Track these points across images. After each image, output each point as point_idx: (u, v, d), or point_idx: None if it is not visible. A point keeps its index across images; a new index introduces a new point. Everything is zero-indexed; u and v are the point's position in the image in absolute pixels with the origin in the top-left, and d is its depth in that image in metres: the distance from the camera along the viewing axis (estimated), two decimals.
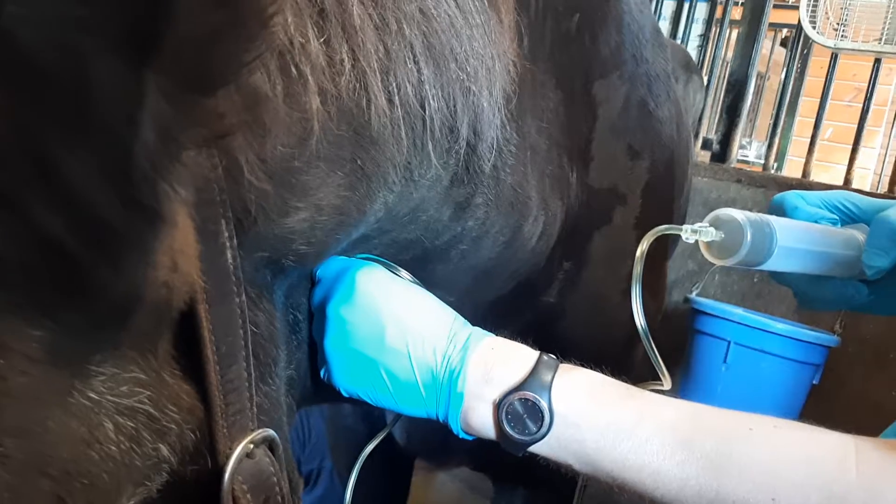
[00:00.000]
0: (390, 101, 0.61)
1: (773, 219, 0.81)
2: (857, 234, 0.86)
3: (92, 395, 0.44)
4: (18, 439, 0.41)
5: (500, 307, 1.01)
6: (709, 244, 0.78)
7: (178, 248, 0.45)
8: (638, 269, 0.81)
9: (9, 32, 0.33)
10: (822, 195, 0.91)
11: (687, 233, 0.78)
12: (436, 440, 1.18)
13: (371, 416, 1.20)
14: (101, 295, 0.41)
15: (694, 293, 2.14)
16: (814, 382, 1.90)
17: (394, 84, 0.61)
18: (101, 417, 0.45)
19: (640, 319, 0.82)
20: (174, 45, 0.35)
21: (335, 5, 0.55)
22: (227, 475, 0.53)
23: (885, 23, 2.22)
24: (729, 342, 1.90)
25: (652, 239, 0.80)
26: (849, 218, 0.90)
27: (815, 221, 0.88)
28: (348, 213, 0.61)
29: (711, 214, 0.79)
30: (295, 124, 0.53)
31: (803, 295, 0.93)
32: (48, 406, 0.42)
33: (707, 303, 2.01)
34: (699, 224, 0.78)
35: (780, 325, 1.89)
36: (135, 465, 0.47)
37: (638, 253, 0.81)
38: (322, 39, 0.54)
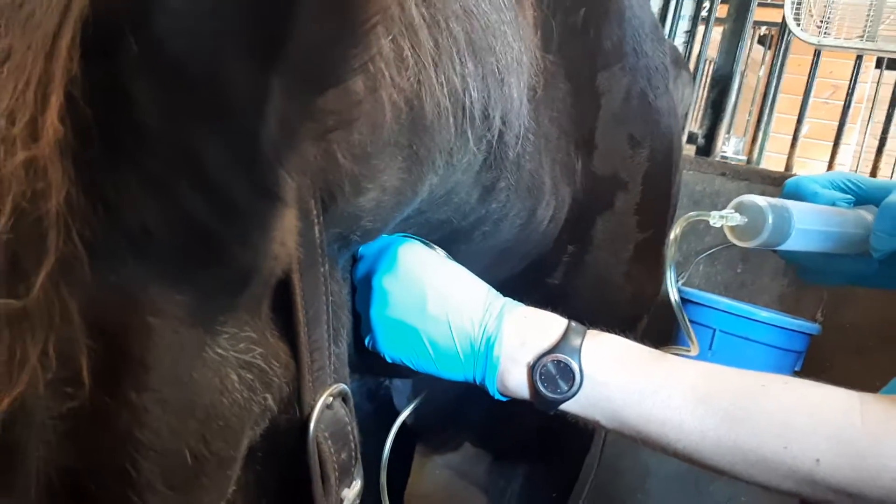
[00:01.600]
0: (441, 92, 0.66)
1: (790, 203, 0.86)
2: (866, 214, 0.92)
3: (220, 350, 0.50)
4: (174, 387, 0.47)
5: (511, 286, 1.06)
6: (733, 228, 0.84)
7: (287, 226, 0.50)
8: (672, 251, 0.87)
9: (160, 41, 0.38)
10: (828, 177, 0.97)
11: (715, 218, 0.84)
12: (444, 417, 1.22)
13: (377, 395, 1.23)
14: (230, 265, 0.47)
15: (680, 283, 2.20)
16: (796, 369, 1.96)
17: (443, 76, 0.66)
18: (227, 370, 0.51)
19: (674, 295, 0.88)
20: (295, 49, 0.39)
21: (397, 7, 0.60)
22: (312, 423, 0.59)
23: (866, 20, 2.28)
24: (714, 330, 1.96)
25: (685, 224, 0.86)
26: (857, 196, 0.96)
27: (833, 203, 0.94)
28: (405, 193, 0.67)
29: (735, 200, 0.85)
30: (373, 115, 0.59)
31: (811, 271, 0.99)
32: (193, 359, 0.48)
33: (693, 292, 2.06)
34: (726, 210, 0.84)
35: (764, 314, 1.95)
36: (253, 410, 0.53)
37: (671, 236, 0.87)
38: (390, 38, 0.59)
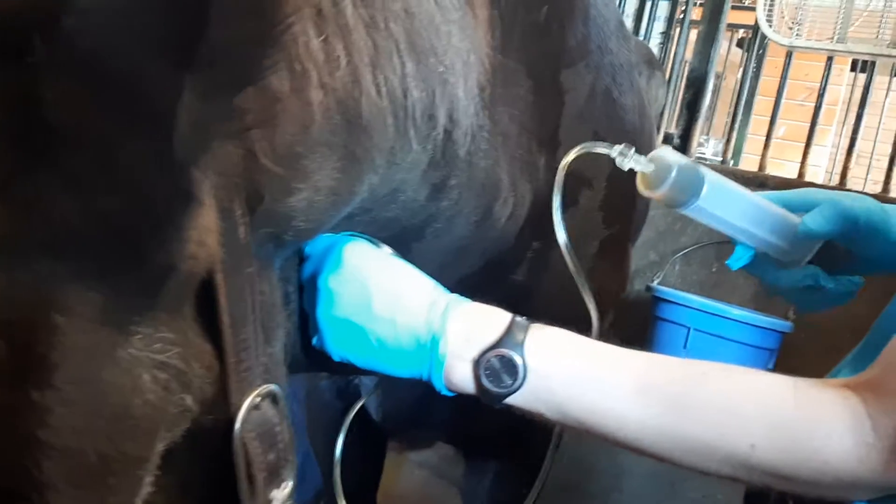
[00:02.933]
0: (378, 92, 0.66)
1: (709, 170, 0.85)
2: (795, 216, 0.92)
3: (133, 350, 0.50)
4: (80, 386, 0.47)
5: (470, 284, 1.06)
6: (642, 176, 0.83)
7: (204, 225, 0.51)
8: (560, 177, 0.88)
9: (69, 40, 0.38)
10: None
11: (615, 153, 0.83)
12: (410, 415, 1.23)
13: (346, 393, 1.24)
14: (144, 264, 0.48)
15: (655, 282, 2.21)
16: (768, 367, 1.98)
17: (381, 77, 0.66)
18: (140, 370, 0.50)
19: (562, 235, 0.89)
20: (208, 49, 0.40)
21: (330, 7, 0.60)
22: (238, 424, 0.58)
23: (836, 23, 2.31)
24: (689, 328, 1.98)
25: (579, 153, 0.86)
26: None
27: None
28: (340, 193, 0.67)
29: (652, 153, 0.84)
30: (300, 115, 0.59)
31: (768, 281, 0.98)
32: (102, 359, 0.48)
33: (668, 291, 2.08)
34: (626, 145, 0.83)
35: (737, 312, 1.97)
36: (168, 411, 0.53)
37: (563, 163, 0.87)
38: (322, 38, 0.59)
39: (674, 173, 0.80)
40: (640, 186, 0.84)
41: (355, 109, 0.64)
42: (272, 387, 0.62)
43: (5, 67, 0.40)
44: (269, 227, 0.63)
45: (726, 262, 0.99)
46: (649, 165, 0.82)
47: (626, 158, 0.82)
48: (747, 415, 0.71)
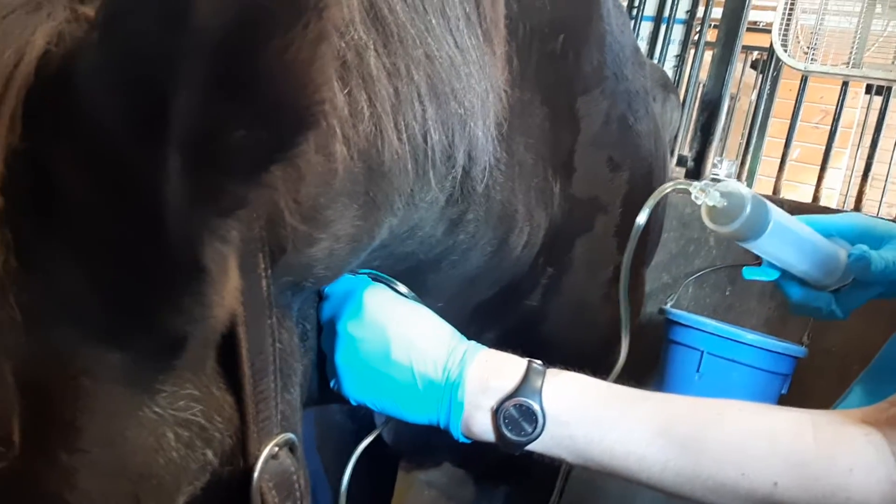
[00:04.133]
0: (399, 138, 0.67)
1: (772, 205, 0.87)
2: (841, 247, 0.93)
3: (157, 409, 0.51)
4: (104, 448, 0.48)
5: (484, 311, 1.06)
6: (710, 210, 0.85)
7: (225, 288, 0.51)
8: (642, 219, 0.89)
9: (71, 112, 0.40)
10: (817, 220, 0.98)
11: (696, 190, 0.84)
12: (422, 438, 1.23)
13: (358, 414, 1.24)
14: (161, 330, 0.48)
15: (668, 305, 2.20)
16: (782, 392, 1.96)
17: (403, 123, 0.67)
18: (164, 428, 0.51)
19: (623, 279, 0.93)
20: (230, 131, 0.41)
21: (355, 57, 0.61)
22: (256, 474, 0.59)
23: (852, 47, 2.31)
24: (702, 352, 1.96)
25: (660, 196, 0.88)
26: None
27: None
28: (360, 239, 0.68)
29: (720, 184, 0.85)
30: (323, 171, 0.59)
31: (796, 303, 1.00)
32: (126, 419, 0.49)
33: (681, 314, 2.07)
34: (706, 183, 0.85)
35: (752, 336, 1.96)
36: (189, 467, 0.54)
37: (649, 200, 0.89)
38: (346, 91, 0.60)
39: (748, 210, 0.81)
40: (707, 220, 0.85)
41: (377, 157, 0.65)
42: (289, 435, 0.63)
43: (30, 135, 0.41)
44: (290, 275, 0.64)
45: (743, 270, 1.00)
46: (723, 200, 0.83)
47: (705, 195, 0.84)
48: (767, 454, 0.71)
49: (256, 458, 0.59)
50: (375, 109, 0.63)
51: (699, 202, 0.84)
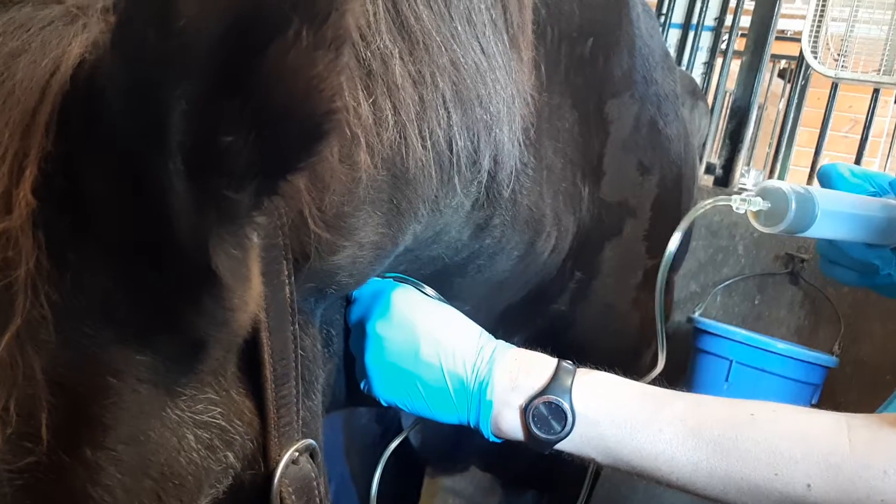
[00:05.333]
0: (424, 146, 0.67)
1: (814, 189, 0.86)
2: (892, 201, 0.92)
3: (178, 411, 0.52)
4: (129, 446, 0.49)
5: (511, 315, 1.06)
6: (756, 214, 0.84)
7: (248, 293, 0.52)
8: (680, 231, 0.88)
9: (98, 117, 0.41)
10: (868, 172, 0.97)
11: (737, 202, 0.84)
12: (449, 443, 1.22)
13: (385, 417, 1.24)
14: (187, 332, 0.49)
15: (697, 314, 2.18)
16: (812, 402, 1.94)
17: (427, 130, 0.67)
18: (184, 430, 0.52)
19: (659, 286, 0.91)
20: (249, 141, 0.41)
21: (381, 65, 0.61)
22: (276, 479, 0.59)
23: (883, 54, 2.28)
24: (731, 361, 1.94)
25: (701, 210, 0.87)
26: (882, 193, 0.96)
27: (859, 192, 0.94)
28: (384, 246, 0.68)
29: (759, 186, 0.85)
30: (347, 177, 0.60)
31: (834, 263, 0.98)
32: (150, 419, 0.50)
33: (710, 323, 2.05)
34: (747, 194, 0.84)
35: (781, 345, 1.93)
36: (211, 469, 0.54)
37: (683, 222, 0.88)
38: (371, 100, 0.60)
39: (793, 206, 0.81)
40: (755, 223, 0.85)
41: (401, 165, 0.65)
42: (310, 441, 0.63)
43: (65, 140, 0.42)
44: (313, 282, 0.64)
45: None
46: (766, 203, 0.83)
47: (747, 203, 0.84)
48: (801, 455, 0.70)
49: (277, 463, 0.59)
50: (400, 117, 0.63)
51: (741, 211, 0.84)
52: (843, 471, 0.69)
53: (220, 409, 0.54)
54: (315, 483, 0.63)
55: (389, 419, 1.22)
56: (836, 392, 1.93)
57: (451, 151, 0.71)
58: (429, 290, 0.85)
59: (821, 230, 0.86)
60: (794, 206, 0.81)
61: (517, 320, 1.08)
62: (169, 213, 0.42)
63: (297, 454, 0.61)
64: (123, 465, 0.48)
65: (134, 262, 0.45)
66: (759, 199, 0.83)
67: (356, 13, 0.41)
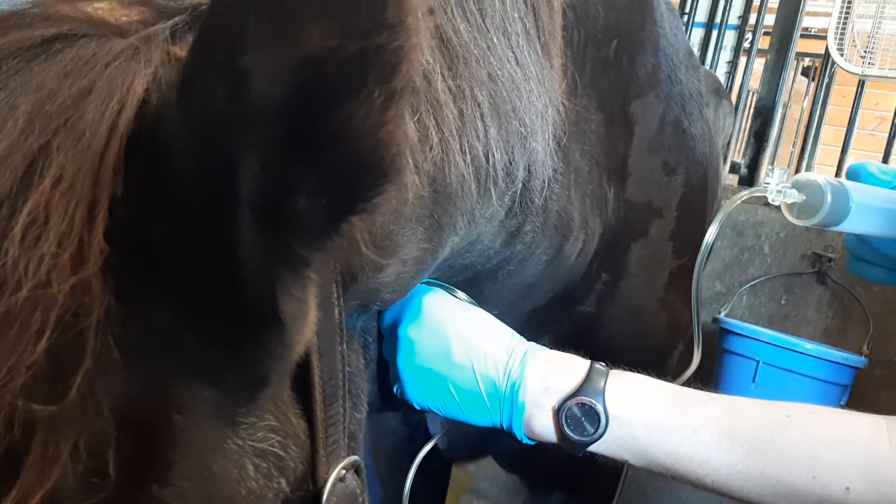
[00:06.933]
0: (465, 161, 0.67)
1: (848, 182, 0.86)
2: None
3: (239, 440, 0.52)
4: (192, 481, 0.49)
5: (538, 317, 1.06)
6: (790, 206, 0.84)
7: (305, 325, 0.52)
8: (717, 223, 0.89)
9: (160, 164, 0.42)
10: (889, 167, 0.96)
11: (773, 194, 0.83)
12: (476, 445, 1.22)
13: (412, 419, 1.24)
14: (250, 364, 0.50)
15: (723, 314, 2.17)
16: (841, 403, 1.91)
17: (466, 145, 0.67)
18: (244, 460, 0.53)
19: (695, 283, 0.90)
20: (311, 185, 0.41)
21: (424, 83, 0.61)
22: (324, 498, 0.59)
23: None
24: (758, 362, 1.92)
25: (735, 204, 0.87)
26: None
27: (891, 187, 0.93)
28: (425, 261, 0.68)
29: (794, 178, 0.85)
30: (396, 199, 0.60)
31: (864, 260, 0.98)
32: (213, 452, 0.50)
33: (736, 323, 2.03)
34: (782, 185, 0.84)
35: (809, 346, 1.91)
36: (266, 497, 0.55)
37: (719, 214, 0.88)
38: (416, 118, 0.60)
39: (829, 199, 0.81)
40: (789, 216, 0.84)
41: (443, 181, 0.65)
42: (355, 458, 0.63)
43: (129, 184, 0.43)
44: (358, 300, 0.65)
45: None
46: (801, 195, 0.83)
47: (783, 195, 0.83)
48: (839, 458, 0.69)
49: (325, 482, 0.59)
50: (443, 134, 0.63)
51: (777, 203, 0.83)
52: (883, 473, 0.68)
53: (278, 437, 0.55)
54: (360, 499, 0.64)
55: (416, 421, 1.22)
56: (865, 393, 1.90)
57: (489, 164, 0.71)
58: (460, 293, 0.85)
59: (854, 224, 0.85)
60: (829, 198, 0.81)
61: (544, 322, 1.08)
62: (236, 264, 0.43)
63: (343, 472, 0.61)
64: (188, 500, 0.48)
65: (201, 305, 0.46)
66: (794, 191, 0.83)
67: (411, 62, 0.39)
